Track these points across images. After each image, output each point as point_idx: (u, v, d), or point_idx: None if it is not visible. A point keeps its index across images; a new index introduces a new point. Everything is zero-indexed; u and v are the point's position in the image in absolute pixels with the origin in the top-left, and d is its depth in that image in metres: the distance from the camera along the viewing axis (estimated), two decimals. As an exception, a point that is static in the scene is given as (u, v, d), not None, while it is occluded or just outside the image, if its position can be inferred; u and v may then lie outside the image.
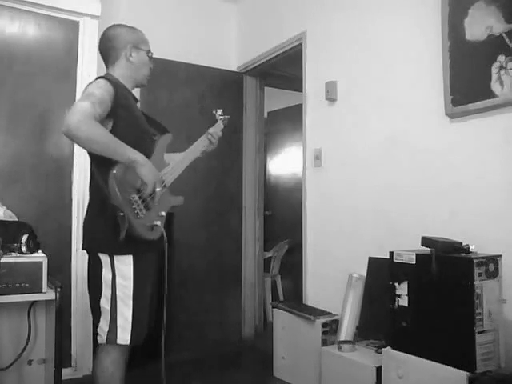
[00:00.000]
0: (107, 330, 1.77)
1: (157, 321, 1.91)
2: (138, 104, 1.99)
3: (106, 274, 1.77)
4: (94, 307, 1.83)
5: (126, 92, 1.89)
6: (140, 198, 1.74)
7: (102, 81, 1.78)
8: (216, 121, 2.26)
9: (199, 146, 2.13)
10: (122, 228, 1.68)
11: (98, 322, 1.81)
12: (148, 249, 1.84)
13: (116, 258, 1.77)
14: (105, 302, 1.78)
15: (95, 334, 1.83)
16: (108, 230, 1.73)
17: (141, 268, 1.80)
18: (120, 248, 1.74)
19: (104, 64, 1.96)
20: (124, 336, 1.76)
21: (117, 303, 1.76)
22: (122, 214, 1.66)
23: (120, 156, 1.67)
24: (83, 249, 1.89)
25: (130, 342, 1.77)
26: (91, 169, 1.85)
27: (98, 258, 1.79)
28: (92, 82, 1.80)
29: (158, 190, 1.77)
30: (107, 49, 1.91)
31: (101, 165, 1.74)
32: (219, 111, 2.29)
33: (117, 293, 1.76)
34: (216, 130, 2.19)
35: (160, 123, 2.05)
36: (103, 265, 1.78)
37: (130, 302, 1.77)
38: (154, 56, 2.00)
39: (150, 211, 1.78)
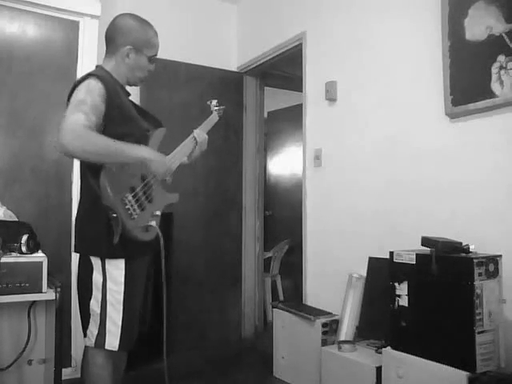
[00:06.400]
0: (96, 332, 1.71)
1: (157, 321, 1.89)
2: (130, 98, 1.89)
3: (97, 277, 1.72)
4: (84, 309, 1.77)
5: (118, 87, 1.79)
6: (134, 197, 1.67)
7: (92, 82, 1.67)
8: (211, 112, 2.17)
9: (185, 148, 2.00)
10: (115, 231, 1.62)
11: (88, 323, 1.75)
12: (142, 252, 1.78)
13: (108, 261, 1.71)
14: (95, 305, 1.72)
15: (84, 335, 1.78)
16: (100, 232, 1.67)
17: (133, 273, 1.74)
18: (112, 252, 1.68)
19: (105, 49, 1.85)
20: (112, 342, 1.71)
21: (107, 307, 1.71)
22: (114, 215, 1.60)
23: (127, 159, 1.64)
24: (75, 251, 1.81)
25: (119, 349, 1.72)
26: (81, 168, 1.78)
27: (89, 260, 1.73)
28: (81, 83, 1.68)
29: (168, 179, 1.79)
30: (109, 38, 1.83)
31: (91, 164, 1.67)
32: (214, 102, 2.21)
33: (107, 297, 1.71)
34: (207, 125, 2.12)
35: (154, 117, 1.96)
36: (94, 267, 1.72)
37: (120, 308, 1.71)
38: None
39: (145, 211, 1.72)
